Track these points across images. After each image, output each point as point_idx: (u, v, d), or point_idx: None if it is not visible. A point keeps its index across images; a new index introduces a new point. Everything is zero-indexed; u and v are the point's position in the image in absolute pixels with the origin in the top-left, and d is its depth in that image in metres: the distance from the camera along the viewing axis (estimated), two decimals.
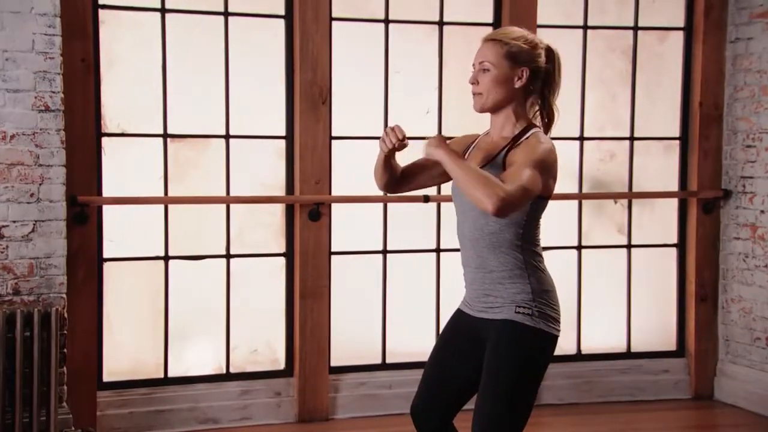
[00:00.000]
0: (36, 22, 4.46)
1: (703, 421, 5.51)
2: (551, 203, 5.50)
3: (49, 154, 4.52)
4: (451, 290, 5.10)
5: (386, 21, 5.28)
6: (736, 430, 5.29)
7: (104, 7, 4.83)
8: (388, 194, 3.28)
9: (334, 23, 5.17)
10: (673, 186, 5.75)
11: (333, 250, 5.23)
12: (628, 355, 5.73)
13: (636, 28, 5.64)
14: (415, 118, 5.35)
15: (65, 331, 4.55)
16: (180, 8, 4.98)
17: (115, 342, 4.95)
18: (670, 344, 5.80)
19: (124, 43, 4.91)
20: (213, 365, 5.15)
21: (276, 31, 5.13)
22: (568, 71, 5.45)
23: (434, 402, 3.12)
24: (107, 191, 4.87)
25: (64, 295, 4.58)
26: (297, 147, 5.11)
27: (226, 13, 5.05)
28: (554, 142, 3.07)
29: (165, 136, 4.98)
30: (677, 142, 5.74)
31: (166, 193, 4.99)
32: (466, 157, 3.08)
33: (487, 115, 3.09)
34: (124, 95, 4.92)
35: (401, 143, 3.00)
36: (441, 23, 5.37)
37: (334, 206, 5.21)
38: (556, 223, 5.47)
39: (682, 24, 5.69)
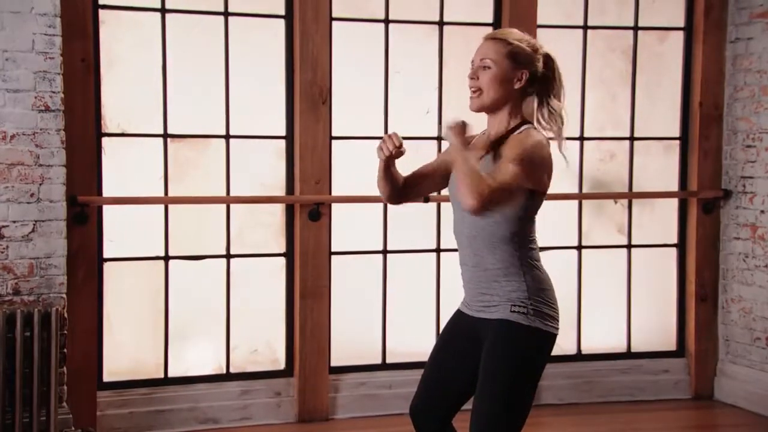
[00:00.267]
0: (36, 22, 4.46)
1: (703, 421, 5.51)
2: (551, 203, 5.51)
3: (49, 154, 4.52)
4: (451, 290, 5.09)
5: (386, 21, 5.28)
6: (736, 430, 5.29)
7: (104, 7, 4.83)
8: (394, 205, 3.26)
9: (334, 23, 5.17)
10: (673, 186, 5.75)
11: (333, 250, 5.23)
12: (628, 355, 5.73)
13: (636, 28, 5.64)
14: (415, 118, 5.35)
15: (65, 331, 4.55)
16: (180, 8, 4.98)
17: (115, 342, 4.95)
18: (670, 344, 5.80)
19: (124, 43, 4.91)
20: (213, 365, 5.15)
21: (276, 31, 5.13)
22: (568, 71, 5.46)
23: (433, 403, 3.12)
24: (107, 191, 4.87)
25: (64, 295, 4.58)
26: (297, 147, 5.11)
27: (226, 13, 5.05)
28: (553, 142, 3.07)
29: (165, 136, 4.98)
30: (677, 142, 5.74)
31: (166, 193, 4.99)
32: None
33: (485, 114, 3.09)
34: (124, 95, 4.92)
35: (398, 150, 2.99)
36: (441, 23, 5.37)
37: (334, 206, 5.21)
38: (556, 223, 5.47)
39: (682, 24, 5.69)
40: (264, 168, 5.18)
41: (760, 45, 5.45)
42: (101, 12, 4.83)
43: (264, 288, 5.21)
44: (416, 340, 5.34)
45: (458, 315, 3.14)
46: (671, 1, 5.67)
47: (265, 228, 5.21)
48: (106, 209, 4.89)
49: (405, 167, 3.18)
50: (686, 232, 5.75)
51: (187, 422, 4.99)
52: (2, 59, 4.43)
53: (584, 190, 5.64)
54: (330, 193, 5.17)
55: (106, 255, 4.90)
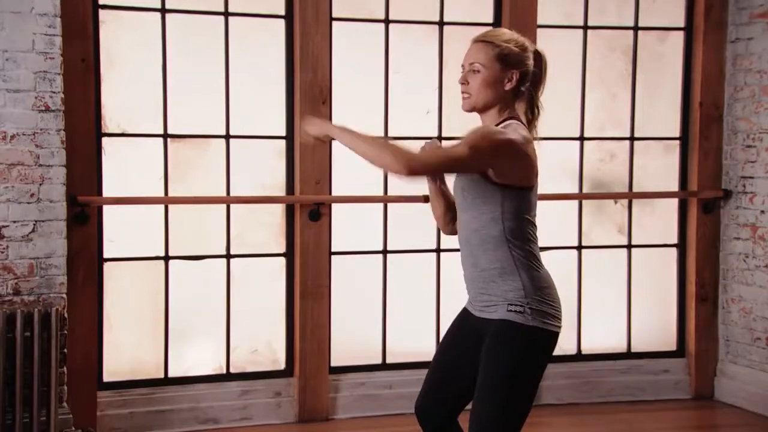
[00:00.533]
0: (36, 22, 4.46)
1: (703, 422, 5.51)
2: (551, 203, 5.52)
3: (49, 154, 4.52)
4: (451, 290, 5.11)
5: (386, 21, 5.28)
6: (736, 431, 5.29)
7: (104, 7, 4.83)
8: (449, 235, 3.27)
9: (334, 23, 5.17)
10: (674, 186, 5.75)
11: (333, 250, 5.23)
12: (629, 355, 5.73)
13: (636, 28, 5.64)
14: (415, 118, 5.35)
15: (65, 331, 4.55)
16: (180, 8, 4.98)
17: (115, 342, 4.95)
18: (671, 344, 5.80)
19: (124, 43, 4.91)
20: (213, 365, 5.15)
21: (276, 31, 5.13)
22: (569, 71, 5.53)
23: (438, 401, 3.12)
24: (107, 191, 4.87)
25: (65, 295, 4.58)
26: (297, 147, 5.11)
27: (227, 13, 5.05)
28: (554, 142, 3.07)
29: (165, 136, 4.98)
30: (677, 142, 5.74)
31: (166, 193, 4.99)
32: None
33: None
34: (125, 95, 4.92)
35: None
36: (441, 23, 5.37)
37: (335, 206, 5.21)
38: (556, 223, 5.47)
39: (682, 24, 5.69)
40: (264, 168, 5.18)
41: (761, 45, 5.45)
42: (101, 12, 4.83)
43: (264, 288, 5.21)
44: (416, 340, 5.35)
45: (464, 313, 3.14)
46: (671, 1, 5.67)
47: (266, 228, 5.21)
48: (106, 209, 4.89)
49: None
50: (686, 232, 5.75)
51: (188, 422, 5.00)
52: (2, 59, 4.43)
53: (584, 190, 5.64)
54: (330, 193, 5.17)
55: (106, 255, 4.90)
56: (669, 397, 5.69)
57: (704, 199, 5.67)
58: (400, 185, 5.27)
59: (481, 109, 3.04)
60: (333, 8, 5.15)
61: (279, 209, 5.20)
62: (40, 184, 4.51)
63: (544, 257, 3.10)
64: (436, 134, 5.32)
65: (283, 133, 5.15)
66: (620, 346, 5.74)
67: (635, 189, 5.71)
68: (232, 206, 5.11)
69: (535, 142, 3.09)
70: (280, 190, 5.19)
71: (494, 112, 3.03)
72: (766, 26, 5.43)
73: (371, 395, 5.28)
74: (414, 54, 5.37)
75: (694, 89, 5.67)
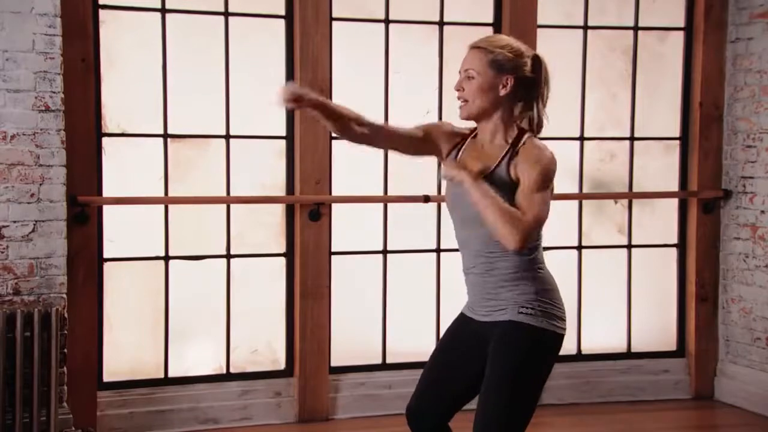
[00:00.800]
0: (36, 22, 4.46)
1: (703, 422, 5.51)
2: (551, 203, 5.50)
3: (49, 154, 4.52)
4: (452, 290, 5.10)
5: (386, 21, 5.28)
6: (737, 431, 5.29)
7: (104, 7, 4.83)
8: (341, 137, 3.18)
9: (334, 23, 5.17)
10: (674, 186, 5.75)
11: (333, 250, 5.23)
12: (629, 355, 5.73)
13: (636, 28, 5.64)
14: (416, 118, 5.33)
15: (65, 331, 4.55)
16: (180, 8, 4.97)
17: (115, 342, 4.95)
18: (671, 344, 5.80)
19: (124, 43, 4.91)
20: (213, 365, 5.15)
21: (276, 31, 5.13)
22: (569, 71, 5.52)
23: (430, 404, 3.12)
24: (107, 191, 4.87)
25: (65, 295, 4.58)
26: (297, 147, 5.11)
27: (227, 13, 5.05)
28: (554, 142, 3.08)
29: (165, 136, 4.98)
30: (677, 142, 5.74)
31: (166, 193, 4.99)
32: (457, 159, 3.08)
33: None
34: (125, 95, 4.92)
35: (294, 100, 3.02)
36: (441, 23, 5.36)
37: (335, 206, 5.21)
38: (556, 223, 5.45)
39: (682, 24, 5.69)
40: (264, 168, 5.18)
41: (761, 45, 5.45)
42: (101, 12, 4.83)
43: (264, 288, 5.21)
44: (416, 340, 5.34)
45: (462, 318, 3.14)
46: (671, 1, 5.66)
47: (266, 228, 5.21)
48: (107, 209, 4.89)
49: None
50: (686, 232, 5.75)
51: (188, 422, 4.99)
52: (2, 59, 4.43)
53: (584, 190, 5.64)
54: (330, 193, 5.17)
55: (106, 255, 4.90)
56: (669, 397, 5.69)
57: (704, 199, 5.67)
58: (401, 185, 5.28)
59: (477, 117, 3.04)
60: (333, 8, 5.15)
61: (279, 209, 5.20)
62: (40, 184, 4.51)
63: (545, 257, 3.10)
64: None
65: (284, 133, 5.15)
66: (620, 346, 5.74)
67: (635, 189, 5.71)
68: (232, 206, 5.11)
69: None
70: (280, 190, 5.19)
71: (495, 120, 3.02)
72: (766, 26, 5.43)
73: (371, 395, 5.28)
74: (414, 54, 5.37)
75: (694, 89, 5.67)
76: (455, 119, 3.12)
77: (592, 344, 5.68)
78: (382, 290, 5.35)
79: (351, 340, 5.34)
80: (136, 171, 4.98)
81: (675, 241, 5.78)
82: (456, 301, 3.22)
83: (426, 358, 3.22)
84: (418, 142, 3.14)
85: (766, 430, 5.24)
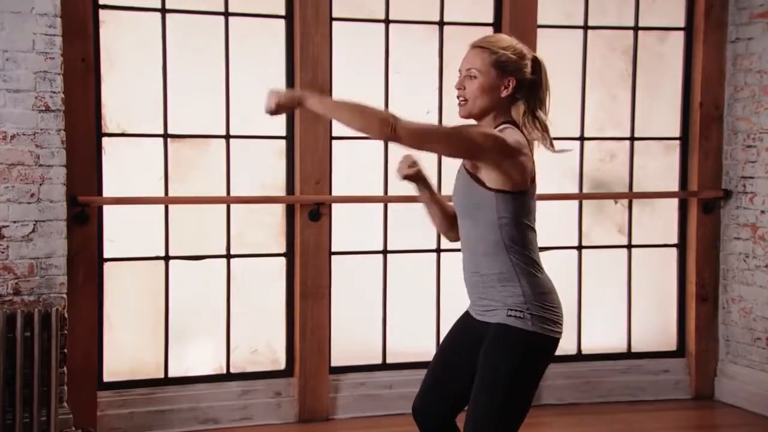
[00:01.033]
0: (36, 22, 4.46)
1: (703, 422, 5.51)
2: (551, 203, 5.52)
3: (49, 154, 4.52)
4: (452, 290, 5.10)
5: (386, 21, 5.28)
6: (737, 431, 5.29)
7: (104, 7, 4.83)
8: (453, 241, 3.29)
9: (334, 23, 5.17)
10: (674, 186, 5.75)
11: (333, 250, 5.23)
12: (629, 355, 5.73)
13: (636, 28, 5.64)
14: (416, 118, 5.33)
15: (65, 331, 4.55)
16: (180, 8, 4.98)
17: (115, 342, 4.95)
18: (671, 344, 5.80)
19: (124, 43, 4.91)
20: (213, 365, 5.15)
21: (276, 31, 5.13)
22: (569, 71, 5.52)
23: (436, 402, 3.12)
24: (107, 191, 4.87)
25: (65, 295, 4.58)
26: (297, 147, 5.11)
27: (227, 13, 5.05)
28: (554, 142, 3.07)
29: (165, 136, 4.98)
30: (677, 142, 5.74)
31: (166, 193, 4.99)
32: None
33: None
34: (125, 95, 4.92)
35: (413, 169, 3.12)
36: (441, 23, 5.37)
37: (335, 206, 5.21)
38: (556, 223, 5.47)
39: (682, 24, 5.69)
40: (264, 168, 5.18)
41: (761, 45, 5.45)
42: (101, 12, 4.83)
43: (264, 288, 5.21)
44: (416, 340, 5.35)
45: (465, 316, 3.14)
46: (671, 1, 5.66)
47: (266, 228, 5.21)
48: (107, 209, 4.89)
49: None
50: (686, 232, 5.75)
51: (188, 422, 5.00)
52: (2, 59, 4.43)
53: (584, 190, 5.64)
54: (330, 194, 5.17)
55: (106, 255, 4.90)
56: (669, 397, 5.69)
57: (704, 199, 5.67)
58: (401, 185, 5.27)
59: (477, 116, 3.04)
60: (333, 8, 5.15)
61: (279, 209, 5.20)
62: (41, 184, 4.51)
63: (544, 258, 3.10)
64: None
65: (284, 133, 5.15)
66: (620, 346, 5.74)
67: (635, 189, 5.71)
68: (232, 206, 5.11)
69: (535, 143, 3.09)
70: (280, 190, 5.19)
71: (490, 118, 3.03)
72: (766, 26, 5.43)
73: (371, 395, 5.28)
74: (414, 54, 5.37)
75: (694, 89, 5.67)
76: (455, 119, 3.12)
77: (592, 344, 5.68)
78: (383, 290, 5.35)
79: (351, 340, 5.34)
80: (136, 171, 4.98)
81: (675, 241, 5.78)
82: (456, 301, 3.22)
83: (426, 358, 3.23)
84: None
85: (766, 430, 5.24)
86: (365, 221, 5.34)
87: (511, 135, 2.94)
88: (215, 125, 5.08)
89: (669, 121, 5.74)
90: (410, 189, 5.13)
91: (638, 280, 5.75)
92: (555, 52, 5.39)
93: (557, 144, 3.13)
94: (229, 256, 5.12)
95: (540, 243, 3.07)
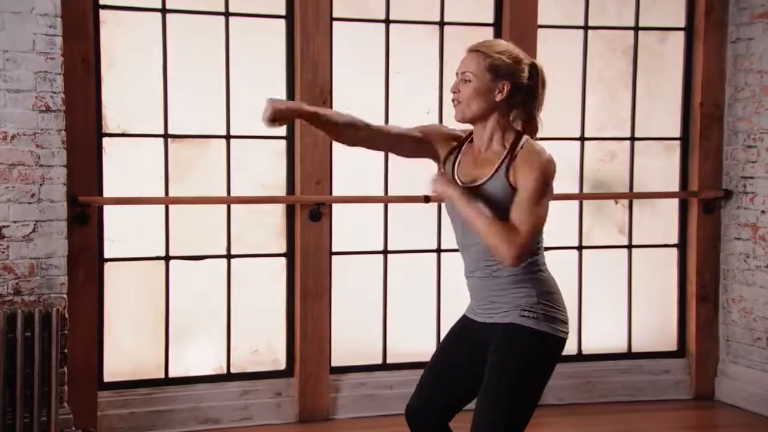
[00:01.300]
0: (37, 22, 4.46)
1: (703, 422, 5.51)
2: (552, 203, 5.50)
3: (49, 154, 4.52)
4: (452, 291, 5.10)
5: (387, 21, 5.28)
6: (737, 431, 5.29)
7: (105, 7, 4.84)
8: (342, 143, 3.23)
9: (334, 23, 5.17)
10: (674, 186, 5.75)
11: (333, 250, 5.23)
12: (629, 355, 5.73)
13: (637, 29, 5.64)
14: (416, 118, 5.33)
15: (66, 332, 4.55)
16: (180, 8, 4.98)
17: (115, 342, 4.95)
18: (671, 344, 5.80)
19: (124, 43, 4.91)
20: (213, 365, 5.15)
21: (277, 31, 5.13)
22: (569, 71, 5.52)
23: (430, 405, 3.12)
24: (108, 191, 4.87)
25: (65, 296, 4.58)
26: (298, 147, 5.11)
27: (227, 14, 5.05)
28: (554, 142, 3.08)
29: (165, 136, 4.98)
30: (678, 142, 5.74)
31: (166, 193, 4.99)
32: (456, 164, 3.08)
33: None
34: (125, 95, 4.92)
35: (273, 116, 3.01)
36: (442, 23, 5.36)
37: (335, 206, 5.21)
38: (556, 224, 5.45)
39: (682, 24, 5.69)
40: (264, 168, 5.19)
41: (761, 45, 5.45)
42: (101, 12, 4.83)
43: (264, 288, 5.21)
44: (417, 340, 5.35)
45: (464, 320, 3.14)
46: (672, 2, 5.66)
47: (266, 228, 5.21)
48: (107, 209, 4.89)
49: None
50: (687, 233, 5.75)
51: (188, 422, 5.00)
52: (3, 59, 4.43)
53: (585, 191, 5.64)
54: (330, 194, 5.17)
55: (106, 255, 4.90)
56: (669, 397, 5.69)
57: (705, 200, 5.67)
58: (401, 185, 5.28)
59: (472, 119, 3.04)
60: (333, 8, 5.15)
61: (279, 209, 5.20)
62: (41, 185, 4.51)
63: (546, 259, 3.10)
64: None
65: (284, 134, 5.15)
66: (621, 346, 5.74)
67: (636, 189, 5.71)
68: (233, 206, 5.11)
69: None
70: (280, 191, 5.19)
71: (490, 123, 3.02)
72: (766, 26, 5.42)
73: (371, 395, 5.28)
74: (414, 54, 5.37)
75: (694, 89, 5.67)
76: (455, 119, 3.12)
77: (592, 344, 5.68)
78: (383, 290, 5.35)
79: (351, 340, 5.34)
80: (136, 171, 4.98)
81: (675, 241, 5.78)
82: (456, 301, 3.22)
83: (426, 358, 3.22)
84: (416, 143, 3.15)
85: (767, 430, 5.24)
86: (365, 221, 5.34)
87: (544, 150, 2.97)
88: (215, 125, 5.08)
89: (669, 121, 5.74)
90: (410, 189, 5.19)
91: (638, 280, 5.75)
92: (555, 52, 5.40)
93: None
94: (229, 257, 5.12)
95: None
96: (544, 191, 2.91)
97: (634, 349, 5.74)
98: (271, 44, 5.14)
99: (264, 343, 5.24)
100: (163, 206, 5.00)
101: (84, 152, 4.73)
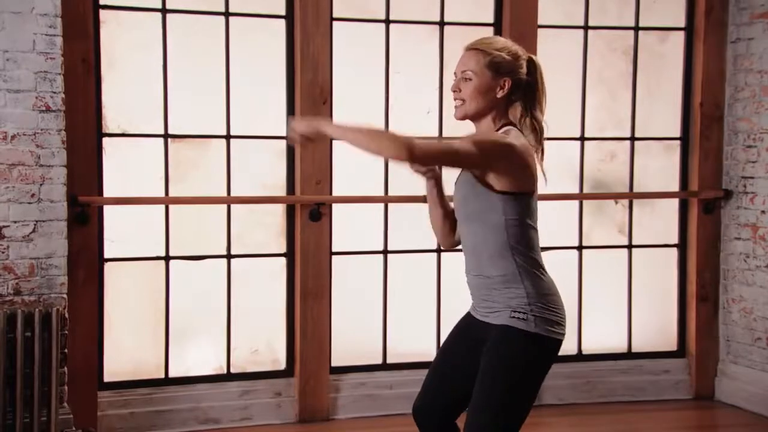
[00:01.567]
0: (37, 22, 4.46)
1: (703, 422, 5.51)
2: (552, 203, 5.52)
3: (49, 154, 4.52)
4: (452, 291, 5.11)
5: (387, 21, 5.28)
6: (737, 431, 5.29)
7: (105, 7, 4.84)
8: (447, 248, 3.29)
9: (334, 23, 5.17)
10: (674, 186, 5.75)
11: (333, 250, 5.23)
12: (629, 355, 5.73)
13: (637, 29, 5.64)
14: (416, 118, 5.35)
15: (66, 332, 4.55)
16: (180, 8, 4.98)
17: (115, 342, 4.95)
18: (671, 344, 5.80)
19: (124, 43, 4.91)
20: (214, 365, 5.15)
21: (276, 31, 5.13)
22: (569, 71, 5.52)
23: (436, 403, 3.12)
24: (108, 191, 4.87)
25: (65, 296, 4.58)
26: (298, 147, 5.10)
27: (227, 14, 5.05)
28: (555, 142, 3.07)
29: (165, 136, 4.98)
30: (678, 142, 5.74)
31: (166, 193, 5.00)
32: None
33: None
34: (125, 95, 4.92)
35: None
36: (442, 23, 5.36)
37: (335, 206, 5.21)
38: (556, 224, 5.47)
39: (682, 24, 5.69)
40: (264, 168, 5.19)
41: (761, 45, 5.45)
42: (102, 12, 4.83)
43: (264, 288, 5.21)
44: (417, 340, 5.35)
45: (468, 317, 3.14)
46: (672, 2, 5.66)
47: (266, 228, 5.21)
48: (107, 209, 4.89)
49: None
50: (687, 233, 5.75)
51: (188, 422, 5.00)
52: (3, 59, 4.43)
53: (585, 191, 5.64)
54: (331, 194, 5.17)
55: (106, 255, 4.90)
56: (669, 397, 5.69)
57: (705, 200, 5.67)
58: (401, 185, 5.28)
59: (474, 117, 3.05)
60: (333, 8, 5.15)
61: (279, 209, 5.20)
62: (41, 185, 4.51)
63: (545, 257, 3.10)
64: (436, 134, 5.32)
65: (284, 134, 5.15)
66: (621, 346, 5.74)
67: (636, 189, 5.71)
68: (233, 206, 5.11)
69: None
70: (280, 191, 5.19)
71: (488, 120, 3.04)
72: (766, 26, 5.42)
73: (371, 395, 5.28)
74: (414, 54, 5.37)
75: (694, 89, 5.67)
76: (454, 119, 3.11)
77: (592, 344, 5.68)
78: (383, 290, 5.35)
79: (351, 340, 5.34)
80: (136, 171, 4.98)
81: (675, 241, 5.78)
82: (456, 301, 3.23)
83: (427, 358, 3.23)
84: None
85: (767, 430, 5.24)
86: (365, 221, 5.34)
87: (516, 138, 2.95)
88: (215, 125, 5.08)
89: (669, 121, 5.74)
90: (410, 189, 5.18)
91: (639, 281, 5.75)
92: (555, 52, 5.40)
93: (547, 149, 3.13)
94: (229, 257, 5.12)
95: (541, 243, 3.07)
96: (478, 140, 2.89)
97: (634, 349, 5.74)
98: (271, 44, 5.14)
99: (264, 343, 5.24)
100: (163, 206, 5.00)
101: (84, 152, 4.73)
